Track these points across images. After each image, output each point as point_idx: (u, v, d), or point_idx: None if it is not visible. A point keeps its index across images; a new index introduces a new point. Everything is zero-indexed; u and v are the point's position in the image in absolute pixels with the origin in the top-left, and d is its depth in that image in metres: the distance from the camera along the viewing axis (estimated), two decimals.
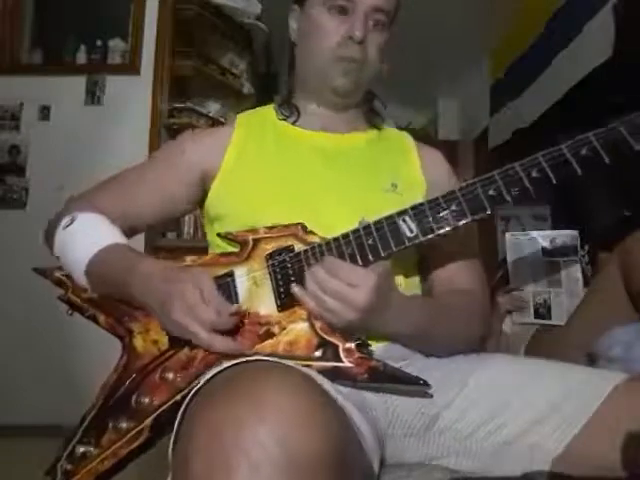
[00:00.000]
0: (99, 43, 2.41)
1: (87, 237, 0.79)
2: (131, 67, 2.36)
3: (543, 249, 1.28)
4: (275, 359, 0.59)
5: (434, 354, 0.76)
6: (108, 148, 2.24)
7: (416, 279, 0.85)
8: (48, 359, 2.10)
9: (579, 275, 1.25)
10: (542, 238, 1.29)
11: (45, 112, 2.34)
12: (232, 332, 0.68)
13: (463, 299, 0.79)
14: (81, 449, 0.68)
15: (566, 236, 1.27)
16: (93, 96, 2.34)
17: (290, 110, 0.90)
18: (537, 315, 1.30)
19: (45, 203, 2.18)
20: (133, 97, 2.33)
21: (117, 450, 0.66)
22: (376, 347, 0.71)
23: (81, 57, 2.42)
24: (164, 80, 2.35)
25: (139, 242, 1.89)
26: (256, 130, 0.88)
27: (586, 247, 1.40)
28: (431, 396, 0.68)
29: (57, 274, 0.84)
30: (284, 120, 0.89)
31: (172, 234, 2.36)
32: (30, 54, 2.45)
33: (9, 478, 1.50)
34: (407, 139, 0.96)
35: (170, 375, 0.68)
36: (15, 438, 1.79)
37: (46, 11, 2.48)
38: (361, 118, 0.94)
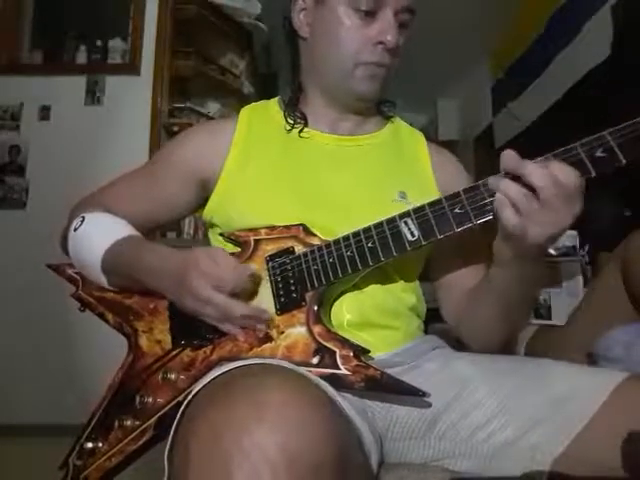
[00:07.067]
0: (99, 43, 2.41)
1: (98, 234, 0.79)
2: (131, 67, 2.35)
3: None
4: (274, 361, 0.59)
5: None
6: (108, 148, 2.24)
7: (415, 281, 0.84)
8: (49, 358, 2.10)
9: (579, 275, 1.25)
10: None
11: (45, 112, 2.34)
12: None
13: None
14: (89, 445, 0.69)
15: (566, 236, 1.26)
16: (93, 96, 2.34)
17: (296, 118, 0.85)
18: (537, 315, 1.29)
19: (45, 203, 2.20)
20: (133, 97, 2.33)
21: (124, 447, 0.67)
22: (382, 354, 0.71)
23: (81, 57, 2.42)
24: (164, 80, 2.34)
25: None
26: (260, 129, 0.86)
27: (586, 247, 1.40)
28: (429, 405, 0.67)
29: (69, 271, 0.86)
30: (290, 131, 0.85)
31: (172, 234, 2.36)
32: (30, 54, 2.44)
33: (9, 478, 1.50)
34: (421, 140, 0.93)
35: (173, 375, 0.69)
36: (15, 438, 1.79)
37: (46, 11, 2.48)
38: (372, 116, 0.90)
